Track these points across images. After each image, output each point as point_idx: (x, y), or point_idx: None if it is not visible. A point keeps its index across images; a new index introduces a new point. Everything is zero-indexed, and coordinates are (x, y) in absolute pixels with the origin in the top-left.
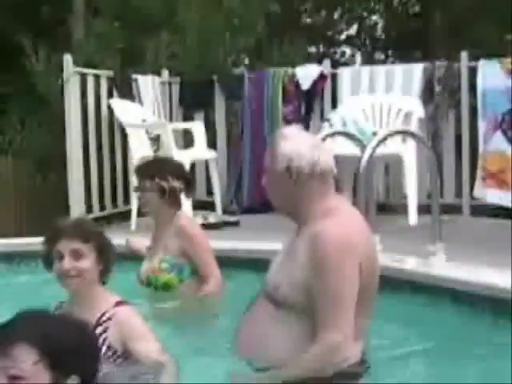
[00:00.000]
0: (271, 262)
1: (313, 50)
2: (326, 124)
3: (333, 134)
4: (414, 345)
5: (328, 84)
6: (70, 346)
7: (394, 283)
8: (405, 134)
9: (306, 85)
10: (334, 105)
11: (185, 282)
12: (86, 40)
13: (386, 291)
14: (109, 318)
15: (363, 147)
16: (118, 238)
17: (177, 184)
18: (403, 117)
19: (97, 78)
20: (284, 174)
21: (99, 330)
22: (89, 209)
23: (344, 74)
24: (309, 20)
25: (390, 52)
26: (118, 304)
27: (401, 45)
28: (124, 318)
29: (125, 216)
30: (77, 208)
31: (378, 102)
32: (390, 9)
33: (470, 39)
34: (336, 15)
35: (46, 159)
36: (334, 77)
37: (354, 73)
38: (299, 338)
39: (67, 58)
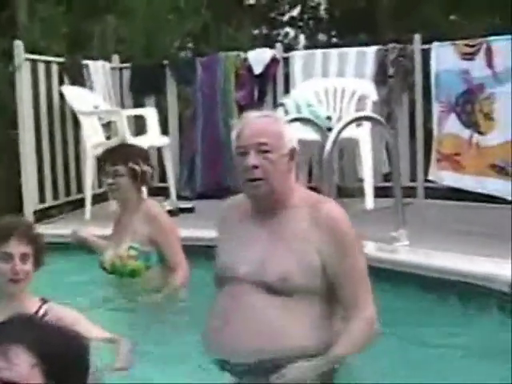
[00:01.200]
0: (228, 252)
1: (256, 32)
2: (280, 109)
3: (293, 120)
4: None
5: (280, 68)
6: (66, 355)
7: None
8: (370, 120)
9: (258, 69)
10: (287, 89)
11: (151, 269)
12: (31, 25)
13: None
14: (44, 315)
15: (322, 133)
16: (72, 227)
17: (147, 168)
18: (357, 100)
19: (47, 64)
20: (286, 156)
21: None
22: (41, 198)
23: (296, 57)
24: (252, 1)
25: (333, 33)
26: (44, 301)
27: (345, 26)
28: (59, 313)
29: (77, 205)
30: (30, 198)
31: (331, 86)
32: None
33: (417, 20)
34: None
35: None
36: (286, 60)
37: (306, 56)
38: (317, 321)
39: (18, 44)
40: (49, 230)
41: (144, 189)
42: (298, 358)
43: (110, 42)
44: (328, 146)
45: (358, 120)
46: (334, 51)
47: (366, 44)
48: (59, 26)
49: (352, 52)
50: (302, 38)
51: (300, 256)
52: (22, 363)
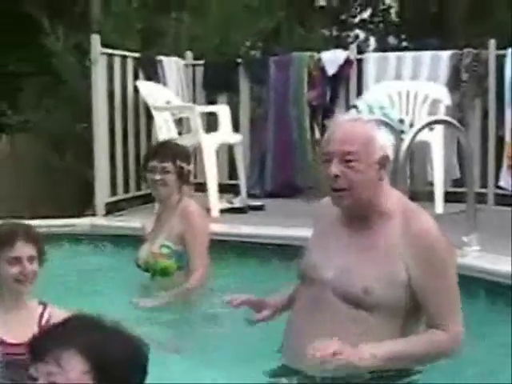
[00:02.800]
0: (317, 252)
1: (326, 33)
2: (353, 111)
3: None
4: None
5: (354, 70)
6: (121, 362)
7: None
8: (446, 123)
9: (331, 70)
10: (360, 91)
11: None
12: (105, 20)
13: None
14: (47, 320)
15: (396, 135)
16: (143, 220)
17: (191, 168)
18: (430, 104)
19: (123, 59)
20: (375, 165)
21: None
22: (113, 191)
23: (370, 59)
24: (323, 3)
25: (403, 36)
26: (44, 304)
27: (416, 29)
28: (62, 316)
29: (147, 199)
30: (102, 190)
31: (404, 89)
32: None
33: (491, 25)
34: None
35: (63, 139)
36: (359, 62)
37: (380, 59)
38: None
39: (95, 38)
40: (118, 223)
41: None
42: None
43: (182, 39)
44: (403, 148)
45: (434, 123)
46: (408, 54)
47: (437, 48)
48: (133, 21)
49: (426, 56)
50: (372, 40)
51: (386, 269)
52: (74, 369)
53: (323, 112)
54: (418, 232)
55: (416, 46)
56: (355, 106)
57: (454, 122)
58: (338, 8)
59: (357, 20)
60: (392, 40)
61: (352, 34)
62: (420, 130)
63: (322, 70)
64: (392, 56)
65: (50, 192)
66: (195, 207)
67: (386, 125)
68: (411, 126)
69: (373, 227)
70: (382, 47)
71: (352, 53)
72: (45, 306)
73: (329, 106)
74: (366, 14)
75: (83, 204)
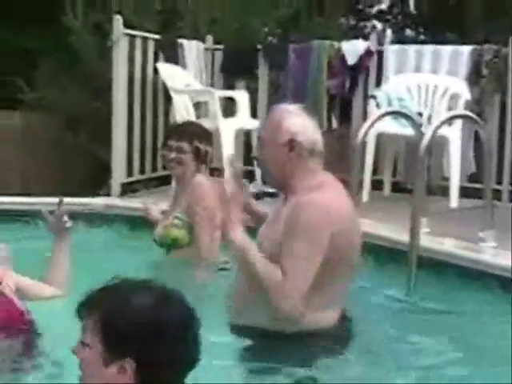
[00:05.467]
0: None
1: (343, 22)
2: (372, 101)
3: (388, 113)
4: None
5: (374, 60)
6: (136, 327)
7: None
8: (468, 119)
9: (351, 60)
10: (379, 82)
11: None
12: (125, 1)
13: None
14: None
15: (417, 128)
16: (160, 204)
17: (209, 149)
18: (449, 98)
19: (144, 40)
20: (284, 147)
21: None
22: (129, 172)
23: (390, 51)
24: None
25: (421, 29)
26: None
27: (434, 23)
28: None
29: (162, 181)
30: (118, 170)
31: (423, 82)
32: None
33: (509, 21)
34: None
35: (78, 118)
36: (379, 53)
37: (400, 51)
38: None
39: (117, 19)
40: (134, 204)
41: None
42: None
43: (202, 22)
44: (424, 142)
45: (457, 118)
46: (428, 48)
47: (455, 42)
48: (153, 2)
49: (446, 50)
50: (389, 31)
51: (271, 231)
52: (90, 331)
53: (341, 101)
54: (296, 203)
55: (433, 40)
56: (374, 97)
57: (476, 117)
58: None
59: (374, 10)
60: (409, 32)
61: (369, 24)
62: (442, 124)
63: (342, 59)
64: (412, 48)
65: (63, 170)
66: (205, 181)
67: (406, 116)
68: (429, 119)
69: (286, 202)
70: (399, 39)
71: (373, 43)
72: None
73: (347, 95)
74: (384, 5)
75: (96, 183)
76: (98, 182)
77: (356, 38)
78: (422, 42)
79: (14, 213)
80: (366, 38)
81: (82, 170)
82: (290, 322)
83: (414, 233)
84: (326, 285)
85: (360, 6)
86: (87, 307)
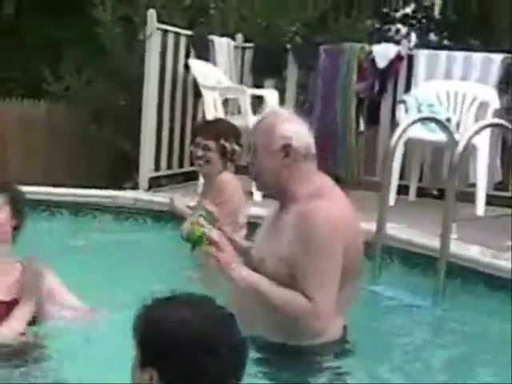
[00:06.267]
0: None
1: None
2: (401, 106)
3: (425, 119)
4: None
5: (404, 65)
6: (160, 340)
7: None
8: (502, 127)
9: (382, 63)
10: (408, 87)
11: None
12: None
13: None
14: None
15: (450, 134)
16: (186, 198)
17: (236, 148)
18: (478, 106)
19: (176, 35)
20: (279, 153)
21: None
22: (156, 166)
23: (421, 56)
24: None
25: (445, 34)
26: (21, 263)
27: (458, 29)
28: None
29: (189, 177)
30: (146, 164)
31: (453, 89)
32: None
33: None
34: None
35: (102, 110)
36: (409, 58)
37: (430, 56)
38: None
39: (151, 13)
40: (162, 198)
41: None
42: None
43: (230, 20)
44: (459, 149)
45: (490, 126)
46: (459, 54)
47: (479, 49)
48: None
49: (477, 57)
50: (413, 36)
51: (275, 245)
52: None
53: (369, 104)
54: (303, 212)
55: (457, 45)
56: (403, 102)
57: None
58: (381, 1)
59: (399, 14)
60: (433, 37)
61: (393, 27)
62: (478, 131)
63: (372, 62)
64: (443, 54)
65: (85, 162)
66: (231, 179)
67: (437, 122)
68: (458, 126)
69: (284, 210)
70: (423, 43)
71: (403, 48)
72: (23, 264)
73: (376, 98)
74: (408, 9)
75: (118, 177)
76: (120, 175)
77: (380, 41)
78: (446, 47)
79: (36, 203)
80: (389, 41)
81: (105, 163)
82: (312, 336)
83: (444, 238)
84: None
85: (385, 10)
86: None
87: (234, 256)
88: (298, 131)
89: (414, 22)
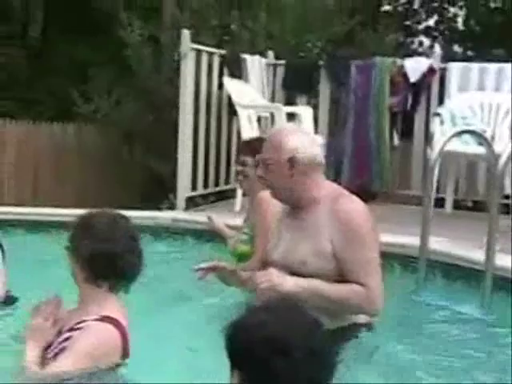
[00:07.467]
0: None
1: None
2: (435, 119)
3: (466, 132)
4: None
5: (436, 78)
6: (237, 343)
7: None
8: None
9: (414, 77)
10: (441, 99)
11: None
12: (180, 15)
13: None
14: (78, 328)
15: (490, 147)
16: (223, 217)
17: None
18: None
19: (210, 55)
20: (285, 165)
21: (66, 335)
22: (193, 186)
23: (453, 69)
24: (388, 8)
25: (469, 45)
26: (103, 318)
27: (482, 39)
28: (80, 332)
29: (223, 196)
30: (183, 184)
31: (486, 101)
32: (470, 1)
33: None
34: (416, 4)
35: (132, 131)
36: (441, 71)
37: (463, 68)
38: None
39: (185, 34)
40: (200, 218)
41: None
42: None
43: (259, 38)
44: (502, 161)
45: None
46: (491, 66)
47: (503, 59)
48: (208, 17)
49: (509, 68)
50: (437, 47)
51: (316, 244)
52: None
53: (403, 119)
54: (339, 212)
55: (482, 56)
56: (438, 114)
57: None
58: (403, 13)
59: (422, 26)
60: (457, 48)
61: (416, 40)
62: None
63: (404, 76)
64: (475, 66)
65: (117, 183)
66: (267, 197)
67: (473, 134)
68: (492, 138)
69: (305, 213)
70: (447, 56)
71: (435, 61)
72: (103, 318)
73: (409, 112)
74: (431, 21)
75: (151, 197)
76: (154, 196)
77: (405, 54)
78: (470, 59)
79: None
80: (413, 54)
81: (138, 184)
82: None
83: (489, 250)
84: None
85: (408, 22)
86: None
87: (274, 274)
88: (301, 143)
89: (436, 33)
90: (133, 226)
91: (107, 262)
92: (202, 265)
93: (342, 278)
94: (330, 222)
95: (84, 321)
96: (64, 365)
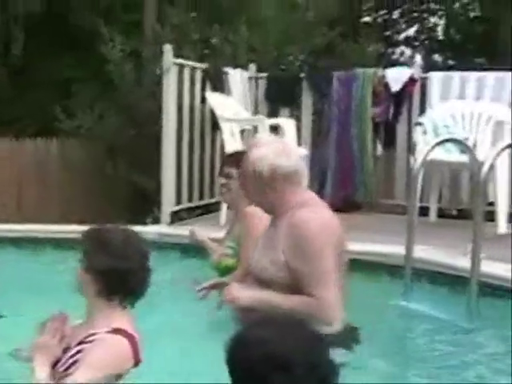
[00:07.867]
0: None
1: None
2: (418, 128)
3: (445, 141)
4: None
5: (418, 88)
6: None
7: None
8: None
9: (395, 87)
10: (422, 109)
11: None
12: (161, 30)
13: None
14: (89, 341)
15: (473, 155)
16: (208, 230)
17: None
18: (493, 125)
19: (192, 69)
20: (252, 176)
21: (76, 348)
22: (177, 200)
23: (434, 78)
24: (368, 19)
25: (449, 55)
26: (114, 331)
27: (462, 48)
28: (93, 345)
29: (208, 209)
30: (168, 198)
31: (468, 109)
32: (450, 10)
33: None
34: (395, 15)
35: (115, 145)
36: (422, 80)
37: (444, 78)
38: None
39: (167, 49)
40: (185, 232)
41: None
42: None
43: (240, 51)
44: (485, 168)
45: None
46: (472, 74)
47: (484, 68)
48: (190, 32)
49: (490, 76)
50: (418, 57)
51: (274, 254)
52: None
53: (385, 128)
54: (291, 224)
55: (463, 65)
56: (420, 124)
57: None
58: (383, 24)
59: (402, 36)
60: (437, 58)
61: (397, 50)
62: (502, 151)
63: (386, 86)
64: (456, 75)
65: (100, 198)
66: (254, 210)
67: (456, 142)
68: (474, 146)
69: (279, 221)
70: (428, 65)
71: (416, 71)
72: (115, 330)
73: (391, 122)
74: (412, 31)
75: (136, 212)
76: (138, 210)
77: (386, 64)
78: (451, 68)
79: (51, 240)
80: (394, 64)
81: (122, 198)
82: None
83: (475, 257)
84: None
85: (388, 33)
86: None
87: (235, 288)
88: (264, 155)
89: (417, 43)
90: (144, 243)
91: (121, 278)
92: (205, 284)
93: (296, 286)
94: (285, 233)
95: (94, 334)
96: (80, 378)
